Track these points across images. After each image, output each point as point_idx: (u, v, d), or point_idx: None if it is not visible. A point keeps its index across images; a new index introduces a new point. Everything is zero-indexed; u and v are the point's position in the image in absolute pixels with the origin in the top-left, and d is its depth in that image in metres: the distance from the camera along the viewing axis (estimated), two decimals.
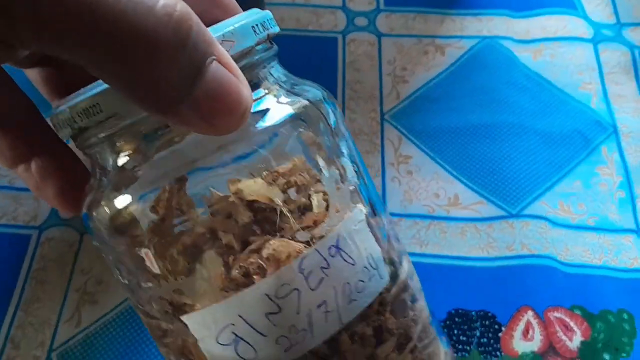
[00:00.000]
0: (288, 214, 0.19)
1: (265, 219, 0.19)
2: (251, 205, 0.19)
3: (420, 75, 0.41)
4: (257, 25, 0.18)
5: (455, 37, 0.42)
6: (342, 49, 0.42)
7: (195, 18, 0.14)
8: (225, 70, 0.15)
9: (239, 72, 0.16)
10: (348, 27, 0.43)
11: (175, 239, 0.19)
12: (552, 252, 0.33)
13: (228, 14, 0.20)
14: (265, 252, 0.18)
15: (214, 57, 0.15)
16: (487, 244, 0.34)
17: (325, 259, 0.19)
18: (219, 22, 0.18)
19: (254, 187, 0.19)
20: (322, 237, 0.19)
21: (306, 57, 0.42)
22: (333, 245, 0.19)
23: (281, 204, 0.19)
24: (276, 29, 0.20)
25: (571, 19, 0.43)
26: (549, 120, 0.38)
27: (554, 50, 0.41)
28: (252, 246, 0.19)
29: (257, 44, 0.19)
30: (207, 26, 0.16)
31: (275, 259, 0.18)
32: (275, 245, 0.19)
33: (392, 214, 0.35)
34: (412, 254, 0.33)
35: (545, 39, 0.42)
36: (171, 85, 0.14)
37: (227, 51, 0.16)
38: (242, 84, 0.15)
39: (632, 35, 0.42)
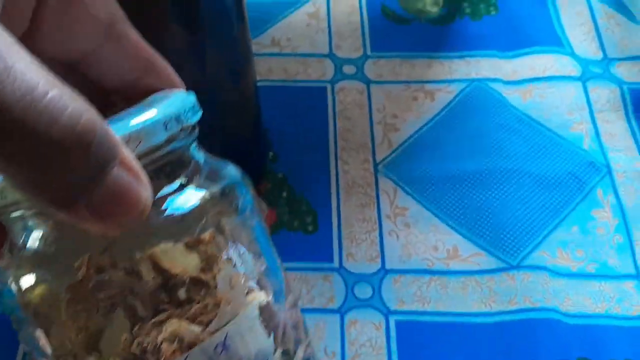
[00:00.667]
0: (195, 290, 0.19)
1: (174, 287, 0.19)
2: (163, 271, 0.19)
3: (410, 122, 0.40)
4: (170, 120, 0.18)
5: (444, 82, 0.42)
6: (331, 97, 0.42)
7: (100, 125, 0.15)
8: (126, 173, 0.16)
9: (141, 173, 0.16)
10: (336, 76, 0.43)
11: (91, 297, 0.19)
12: (555, 304, 0.33)
13: (162, 80, 0.20)
14: (164, 332, 0.19)
15: (115, 162, 0.15)
16: (489, 297, 0.34)
17: (211, 358, 0.19)
18: (153, 90, 0.19)
19: (170, 254, 0.19)
20: (213, 331, 0.19)
21: (295, 107, 0.41)
22: (221, 344, 0.19)
23: (193, 274, 0.19)
24: (194, 119, 0.19)
25: (559, 57, 0.43)
26: (542, 164, 0.38)
27: (543, 91, 0.41)
28: (157, 318, 0.19)
29: (169, 140, 0.18)
30: (142, 93, 0.17)
31: (170, 345, 0.19)
32: (173, 327, 0.19)
33: (392, 271, 0.35)
34: (414, 313, 0.33)
35: (534, 79, 0.42)
36: (70, 189, 0.15)
37: (134, 149, 0.17)
38: (142, 185, 0.16)
39: (620, 71, 0.42)
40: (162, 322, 0.19)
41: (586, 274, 0.34)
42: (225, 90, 0.33)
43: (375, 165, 0.39)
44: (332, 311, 0.34)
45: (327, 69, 0.43)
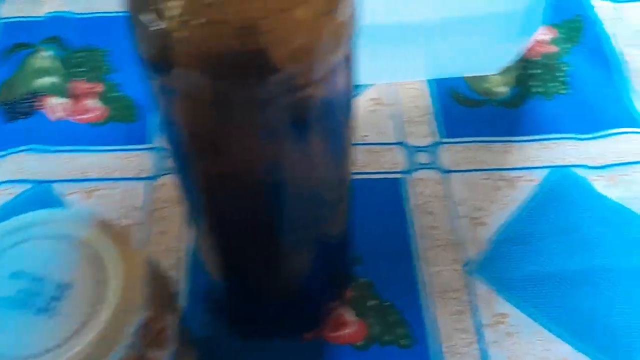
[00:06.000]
0: None
1: None
2: None
3: (497, 215, 0.38)
4: None
5: (523, 169, 0.40)
6: (407, 190, 0.39)
7: None
8: None
9: None
10: (411, 165, 0.40)
11: None
12: None
13: None
14: None
15: None
16: None
17: None
18: None
19: None
20: None
21: (370, 201, 0.39)
22: None
23: None
24: None
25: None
26: None
27: (631, 176, 0.39)
28: None
29: None
30: None
31: None
32: None
33: None
34: None
35: (621, 164, 0.40)
36: None
37: None
38: None
39: None
40: None
41: None
42: (327, 184, 0.30)
43: (466, 266, 0.36)
44: None
45: (400, 159, 0.41)
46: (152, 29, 0.20)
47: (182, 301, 0.34)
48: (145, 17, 0.20)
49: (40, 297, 0.21)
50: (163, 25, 0.20)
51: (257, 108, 0.22)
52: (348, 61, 0.24)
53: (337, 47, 0.22)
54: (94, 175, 0.40)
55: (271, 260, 0.30)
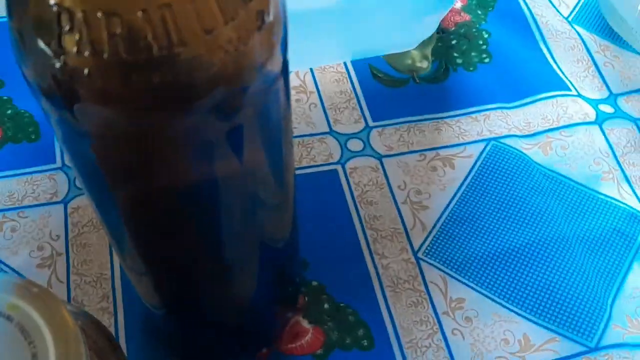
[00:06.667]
0: None
1: None
2: None
3: (438, 197, 0.37)
4: None
5: (456, 145, 0.39)
6: (345, 180, 0.38)
7: None
8: None
9: None
10: (344, 154, 0.39)
11: None
12: None
13: None
14: None
15: None
16: None
17: None
18: None
19: None
20: None
21: (309, 198, 0.37)
22: None
23: None
24: None
25: (567, 101, 0.41)
26: (585, 224, 0.36)
27: (563, 141, 0.39)
28: None
29: None
30: None
31: None
32: None
33: None
34: None
35: (550, 129, 0.40)
36: None
37: None
38: None
39: (629, 107, 0.41)
40: None
41: None
42: (269, 193, 0.28)
43: (415, 253, 0.35)
44: None
45: (333, 149, 0.39)
46: (51, 61, 0.17)
47: (122, 342, 0.31)
48: (42, 45, 0.17)
49: None
50: (66, 58, 0.16)
51: (188, 137, 0.19)
52: (282, 69, 0.21)
53: (267, 59, 0.19)
54: (0, 205, 0.36)
55: (214, 279, 0.27)
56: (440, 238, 0.36)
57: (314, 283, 0.34)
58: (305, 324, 0.33)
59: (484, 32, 0.44)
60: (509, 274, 0.34)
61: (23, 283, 0.20)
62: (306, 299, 0.33)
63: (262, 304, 0.31)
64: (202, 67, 0.17)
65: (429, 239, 0.36)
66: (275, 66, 0.20)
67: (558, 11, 0.45)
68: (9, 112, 0.40)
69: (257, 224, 0.26)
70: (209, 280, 0.27)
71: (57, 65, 0.17)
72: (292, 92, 0.41)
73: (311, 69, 0.42)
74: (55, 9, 0.16)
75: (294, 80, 0.42)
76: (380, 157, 0.39)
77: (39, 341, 0.19)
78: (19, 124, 0.39)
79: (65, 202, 0.36)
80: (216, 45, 0.17)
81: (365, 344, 0.32)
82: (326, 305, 0.33)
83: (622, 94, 0.42)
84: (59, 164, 0.38)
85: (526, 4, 0.45)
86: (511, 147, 0.39)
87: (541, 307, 0.33)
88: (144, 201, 0.23)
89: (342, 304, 0.33)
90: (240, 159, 0.22)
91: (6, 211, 0.36)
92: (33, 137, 0.39)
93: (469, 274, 0.34)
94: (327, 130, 0.40)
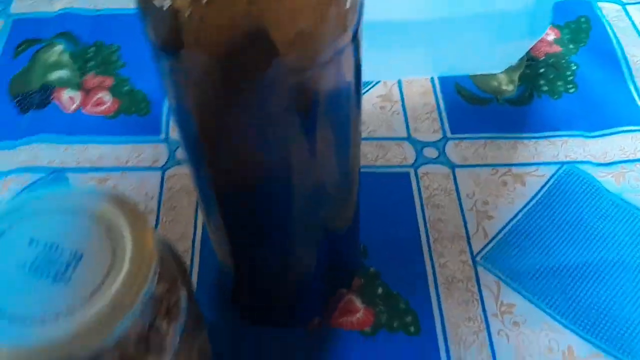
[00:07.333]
0: None
1: None
2: None
3: (504, 209, 0.39)
4: None
5: (530, 164, 0.40)
6: (416, 184, 0.40)
7: None
8: None
9: None
10: (419, 159, 0.41)
11: None
12: None
13: None
14: None
15: None
16: None
17: None
18: None
19: None
20: None
21: (379, 193, 0.39)
22: None
23: None
24: None
25: None
26: None
27: (637, 173, 0.40)
28: None
29: None
30: None
31: None
32: None
33: None
34: None
35: (626, 160, 0.40)
36: None
37: None
38: None
39: None
40: None
41: None
42: (335, 174, 0.31)
43: (473, 257, 0.37)
44: None
45: (408, 153, 0.41)
46: (161, 8, 0.20)
47: (193, 283, 0.35)
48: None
49: (56, 264, 0.22)
50: (172, 4, 0.20)
51: (263, 90, 0.22)
52: (353, 47, 0.24)
53: (341, 32, 0.22)
54: (107, 165, 0.41)
55: (279, 250, 0.30)
56: (501, 246, 0.37)
57: (372, 269, 0.36)
58: (358, 303, 0.35)
59: (572, 64, 0.46)
60: (562, 288, 0.35)
61: (120, 196, 0.24)
62: (362, 281, 0.36)
63: (319, 279, 0.33)
64: (280, 22, 0.20)
65: (489, 245, 0.37)
66: (344, 39, 0.23)
67: None
68: (126, 88, 0.45)
69: (322, 206, 0.29)
70: (276, 248, 0.30)
71: (165, 7, 0.20)
72: (377, 100, 0.44)
73: (399, 81, 0.45)
74: None
75: (380, 89, 0.45)
76: (453, 167, 0.41)
77: (123, 240, 0.23)
78: (133, 99, 0.44)
79: (163, 169, 0.41)
80: (295, 5, 0.20)
81: (412, 330, 0.34)
82: (380, 290, 0.35)
83: None
84: (163, 136, 0.42)
85: (619, 42, 0.46)
86: (584, 172, 0.40)
87: (590, 323, 0.34)
88: (228, 161, 0.26)
89: (395, 292, 0.35)
90: (310, 126, 0.24)
91: (111, 171, 0.41)
92: (143, 112, 0.44)
93: (523, 283, 0.35)
94: (406, 136, 0.42)
